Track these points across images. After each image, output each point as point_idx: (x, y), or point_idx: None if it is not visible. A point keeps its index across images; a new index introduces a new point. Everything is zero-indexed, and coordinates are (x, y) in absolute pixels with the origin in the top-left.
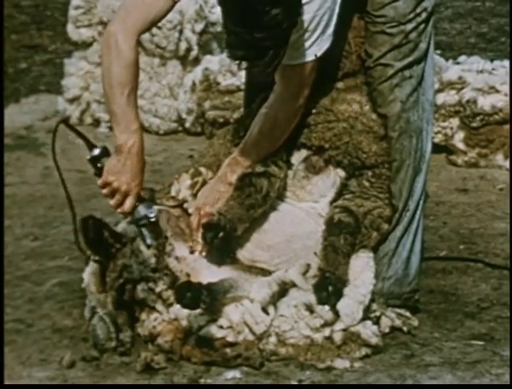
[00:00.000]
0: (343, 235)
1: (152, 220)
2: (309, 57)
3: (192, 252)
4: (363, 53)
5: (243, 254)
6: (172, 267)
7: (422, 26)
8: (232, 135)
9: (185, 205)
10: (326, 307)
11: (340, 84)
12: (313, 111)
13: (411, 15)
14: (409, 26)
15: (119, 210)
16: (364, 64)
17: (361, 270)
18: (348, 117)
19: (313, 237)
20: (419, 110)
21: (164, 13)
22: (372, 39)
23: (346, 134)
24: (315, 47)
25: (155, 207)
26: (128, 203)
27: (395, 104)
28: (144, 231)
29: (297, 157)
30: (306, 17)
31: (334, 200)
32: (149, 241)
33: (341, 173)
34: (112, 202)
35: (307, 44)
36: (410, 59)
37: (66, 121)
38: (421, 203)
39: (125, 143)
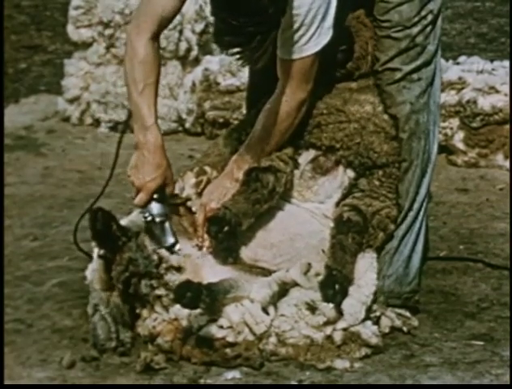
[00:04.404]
0: (352, 234)
1: (148, 219)
2: (308, 51)
3: (200, 248)
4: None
5: (246, 253)
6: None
7: (428, 28)
8: (238, 134)
9: (189, 203)
10: (330, 305)
11: (353, 85)
12: (324, 111)
13: (417, 19)
14: (415, 29)
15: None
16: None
17: (365, 270)
18: (360, 119)
19: (316, 236)
20: (428, 112)
21: (173, 8)
22: (379, 43)
23: (357, 135)
24: (313, 41)
25: (157, 212)
26: (138, 198)
27: (405, 105)
28: (153, 229)
29: (305, 157)
30: (301, 11)
31: (341, 201)
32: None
33: (350, 173)
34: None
35: (305, 38)
36: (418, 63)
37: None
38: (425, 203)
39: (140, 139)
